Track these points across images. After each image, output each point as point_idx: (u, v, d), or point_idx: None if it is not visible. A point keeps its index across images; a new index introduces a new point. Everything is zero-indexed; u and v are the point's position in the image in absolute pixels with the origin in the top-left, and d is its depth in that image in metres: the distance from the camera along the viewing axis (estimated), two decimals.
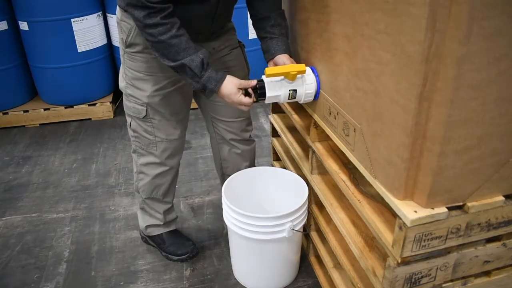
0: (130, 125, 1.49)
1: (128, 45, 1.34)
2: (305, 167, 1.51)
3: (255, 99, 1.28)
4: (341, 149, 1.19)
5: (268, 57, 1.38)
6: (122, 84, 1.44)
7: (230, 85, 1.25)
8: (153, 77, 1.36)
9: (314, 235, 1.56)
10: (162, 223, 1.69)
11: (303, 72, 1.27)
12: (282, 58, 1.34)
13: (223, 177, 1.75)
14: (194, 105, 1.61)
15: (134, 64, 1.37)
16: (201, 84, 1.23)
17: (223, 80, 1.25)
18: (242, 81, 1.27)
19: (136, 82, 1.38)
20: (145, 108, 1.41)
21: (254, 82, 1.28)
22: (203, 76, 1.22)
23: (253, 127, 2.82)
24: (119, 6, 1.33)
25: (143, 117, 1.42)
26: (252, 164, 1.74)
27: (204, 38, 1.36)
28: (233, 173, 1.59)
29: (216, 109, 1.57)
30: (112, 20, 2.85)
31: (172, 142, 1.50)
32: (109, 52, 3.01)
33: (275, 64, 1.35)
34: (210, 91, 1.25)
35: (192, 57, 1.19)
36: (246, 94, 1.27)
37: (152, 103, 1.40)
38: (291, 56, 1.37)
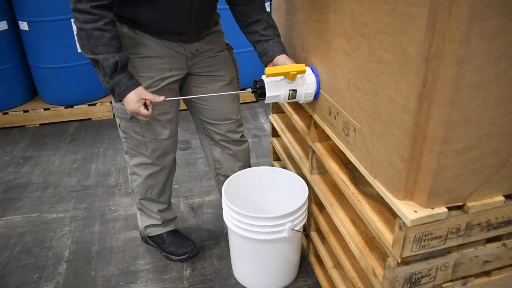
0: (120, 126, 1.48)
1: None
2: (305, 167, 1.51)
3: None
4: (341, 149, 1.19)
5: (266, 59, 1.37)
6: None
7: (134, 94, 1.22)
8: (137, 77, 1.35)
9: (314, 235, 1.56)
10: (160, 223, 1.69)
11: (303, 72, 1.27)
12: (282, 59, 1.33)
13: (218, 177, 1.75)
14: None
15: None
16: (110, 85, 1.21)
17: (133, 88, 1.22)
18: (149, 94, 1.25)
19: None
20: None
21: (161, 98, 1.26)
22: (113, 78, 1.20)
23: (253, 127, 2.84)
24: None
25: (130, 118, 1.42)
26: (246, 164, 1.73)
27: (185, 39, 1.36)
28: (227, 174, 1.59)
29: (204, 111, 1.56)
30: None
31: (162, 142, 1.49)
32: None
33: (275, 66, 1.34)
34: (118, 95, 1.22)
35: (107, 56, 1.17)
36: (145, 106, 1.25)
37: None
38: (288, 56, 1.37)
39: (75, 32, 1.38)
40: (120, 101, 1.24)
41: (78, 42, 1.20)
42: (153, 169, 1.54)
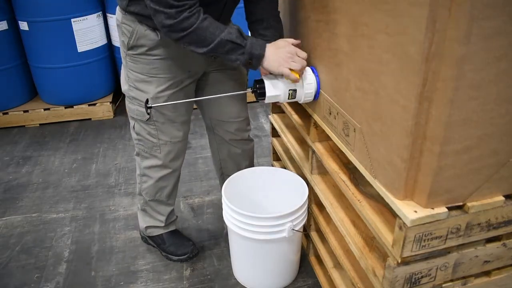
0: (134, 127, 1.48)
1: (130, 48, 1.33)
2: (305, 167, 1.51)
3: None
4: (341, 149, 1.19)
5: None
6: (125, 87, 1.43)
7: (273, 45, 1.21)
8: (156, 78, 1.36)
9: (314, 235, 1.56)
10: (162, 225, 1.69)
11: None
12: None
13: (223, 177, 1.75)
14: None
15: (136, 66, 1.36)
16: (247, 54, 1.19)
17: (265, 44, 1.22)
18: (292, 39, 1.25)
19: (139, 84, 1.38)
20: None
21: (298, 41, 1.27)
22: (246, 44, 1.19)
23: (253, 127, 2.84)
24: (121, 8, 1.32)
25: (146, 120, 1.41)
26: (251, 163, 1.74)
27: None
28: (233, 173, 1.59)
29: (216, 110, 1.57)
30: (112, 20, 2.85)
31: (176, 145, 1.49)
32: (109, 52, 3.01)
33: None
34: (258, 58, 1.20)
35: (228, 30, 1.17)
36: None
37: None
38: None
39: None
40: (258, 64, 1.21)
41: (192, 46, 1.18)
42: (165, 171, 1.54)
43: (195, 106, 1.61)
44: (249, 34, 1.41)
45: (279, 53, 1.22)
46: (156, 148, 1.48)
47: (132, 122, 1.48)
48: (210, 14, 1.24)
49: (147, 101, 1.30)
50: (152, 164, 1.52)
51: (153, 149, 1.48)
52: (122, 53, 1.39)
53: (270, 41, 1.35)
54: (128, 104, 1.45)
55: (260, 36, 1.37)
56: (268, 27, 1.37)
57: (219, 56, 1.21)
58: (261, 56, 1.21)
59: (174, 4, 1.10)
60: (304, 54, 1.25)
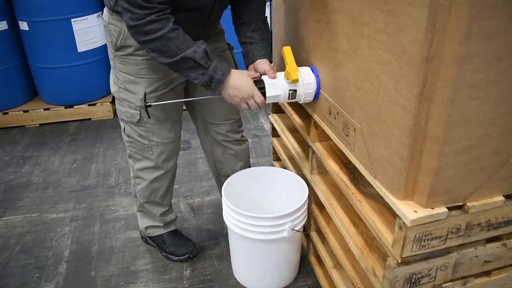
0: (124, 130, 1.47)
1: (118, 48, 1.32)
2: (305, 167, 1.51)
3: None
4: (341, 149, 1.19)
5: (247, 62, 1.36)
6: (114, 89, 1.42)
7: (237, 73, 1.20)
8: (145, 79, 1.35)
9: (314, 235, 1.56)
10: (161, 225, 1.69)
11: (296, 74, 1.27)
12: (262, 63, 1.32)
13: (219, 178, 1.75)
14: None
15: (125, 67, 1.34)
16: (207, 76, 1.18)
17: (229, 70, 1.21)
18: (252, 72, 1.24)
19: (128, 86, 1.37)
20: (139, 112, 1.38)
21: (274, 74, 1.26)
22: (209, 66, 1.17)
23: (253, 127, 2.84)
24: (108, 7, 1.31)
25: (137, 122, 1.41)
26: (247, 163, 1.74)
27: None
28: (228, 174, 1.59)
29: (206, 112, 1.56)
30: None
31: (168, 145, 1.49)
32: None
33: (256, 70, 1.33)
34: (218, 82, 1.19)
35: (194, 48, 1.15)
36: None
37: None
38: (271, 62, 1.36)
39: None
40: (217, 88, 1.20)
41: (155, 54, 1.16)
42: (158, 172, 1.54)
43: (184, 107, 1.60)
44: (236, 37, 1.41)
45: (238, 91, 1.22)
46: (147, 149, 1.47)
47: (122, 125, 1.47)
48: (198, 18, 1.24)
49: (145, 99, 1.29)
50: (144, 166, 1.52)
51: (144, 150, 1.48)
52: (110, 54, 1.37)
53: (257, 43, 1.35)
54: (118, 106, 1.44)
55: (247, 38, 1.36)
56: (255, 29, 1.36)
57: (180, 71, 1.19)
58: (221, 81, 1.20)
59: (142, 5, 1.08)
60: (260, 99, 1.24)
